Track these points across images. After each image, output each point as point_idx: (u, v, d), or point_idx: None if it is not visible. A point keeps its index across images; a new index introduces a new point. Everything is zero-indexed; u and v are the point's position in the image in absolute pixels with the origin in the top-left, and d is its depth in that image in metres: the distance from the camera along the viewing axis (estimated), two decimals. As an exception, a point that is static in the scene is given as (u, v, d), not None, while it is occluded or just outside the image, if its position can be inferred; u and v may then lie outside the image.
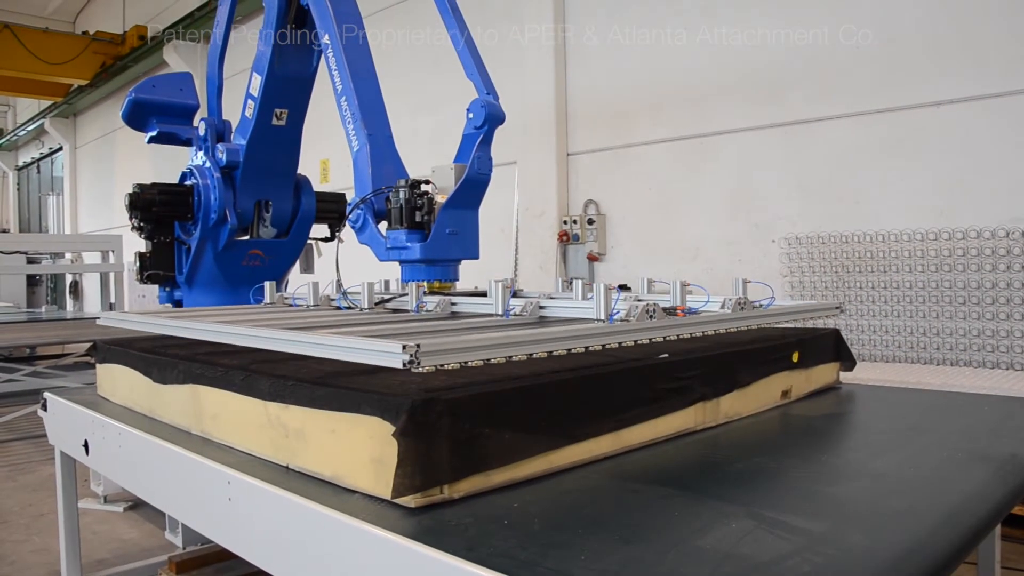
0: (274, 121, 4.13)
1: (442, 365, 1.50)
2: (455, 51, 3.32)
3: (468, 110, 3.06)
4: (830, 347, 2.74)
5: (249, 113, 4.14)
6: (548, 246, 7.33)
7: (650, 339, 1.94)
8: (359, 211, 3.12)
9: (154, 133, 4.66)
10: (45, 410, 2.90)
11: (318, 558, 1.49)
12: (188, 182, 4.43)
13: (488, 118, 3.02)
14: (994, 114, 4.83)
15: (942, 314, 4.91)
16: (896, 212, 5.20)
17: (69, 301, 17.49)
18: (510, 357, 1.61)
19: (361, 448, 1.56)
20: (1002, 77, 4.77)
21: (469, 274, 3.15)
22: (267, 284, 3.30)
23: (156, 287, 4.75)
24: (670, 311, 2.11)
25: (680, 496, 1.58)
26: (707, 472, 1.79)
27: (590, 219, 7.08)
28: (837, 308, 2.76)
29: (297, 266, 4.89)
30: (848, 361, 2.80)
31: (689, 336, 2.10)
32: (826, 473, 1.80)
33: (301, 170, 4.61)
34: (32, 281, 16.67)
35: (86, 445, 2.57)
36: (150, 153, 13.29)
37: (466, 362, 1.54)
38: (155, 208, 4.33)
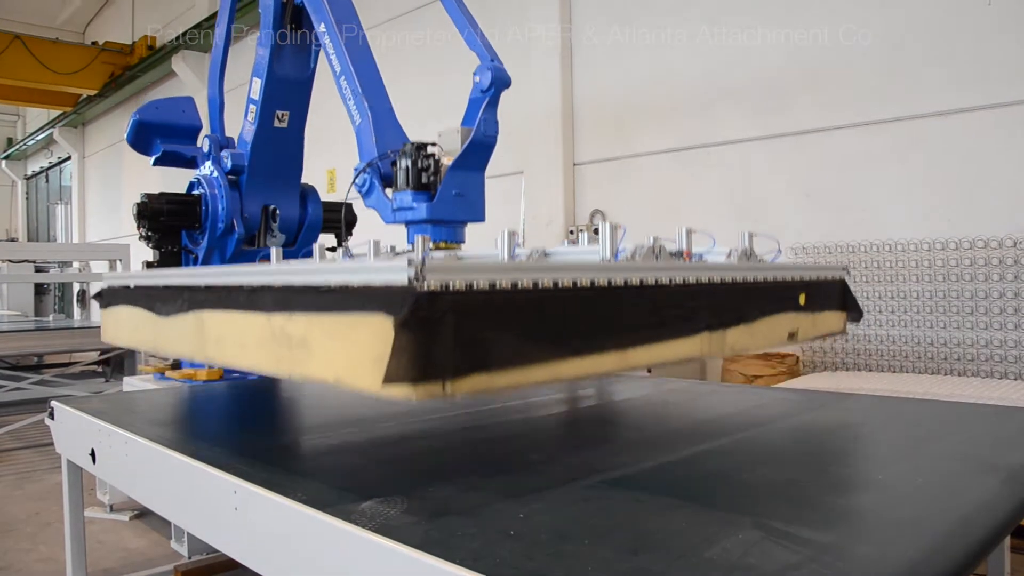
0: (276, 123, 4.21)
1: (447, 285, 1.46)
2: (454, 23, 3.32)
3: (475, 73, 3.05)
4: (837, 295, 2.69)
5: (251, 117, 4.21)
6: (554, 255, 7.33)
7: (656, 280, 1.93)
8: (366, 175, 3.13)
9: (159, 154, 4.72)
10: (52, 419, 2.91)
11: (324, 568, 1.49)
12: (196, 191, 4.46)
13: (495, 80, 3.01)
14: (1002, 123, 4.82)
15: (950, 324, 4.89)
16: (903, 221, 5.19)
17: (77, 310, 17.51)
18: (516, 283, 1.58)
19: (365, 347, 1.50)
20: (1010, 86, 4.77)
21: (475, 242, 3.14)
22: (273, 249, 3.28)
23: (163, 296, 4.76)
24: (676, 255, 2.11)
25: (687, 506, 1.58)
26: (713, 482, 1.78)
27: (596, 228, 7.09)
28: (843, 269, 2.74)
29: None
30: (855, 311, 2.74)
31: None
32: (833, 483, 1.80)
33: (308, 180, 4.64)
34: (40, 290, 16.74)
35: (93, 454, 2.57)
36: (158, 163, 13.35)
37: (472, 284, 1.50)
38: (163, 217, 4.36)
